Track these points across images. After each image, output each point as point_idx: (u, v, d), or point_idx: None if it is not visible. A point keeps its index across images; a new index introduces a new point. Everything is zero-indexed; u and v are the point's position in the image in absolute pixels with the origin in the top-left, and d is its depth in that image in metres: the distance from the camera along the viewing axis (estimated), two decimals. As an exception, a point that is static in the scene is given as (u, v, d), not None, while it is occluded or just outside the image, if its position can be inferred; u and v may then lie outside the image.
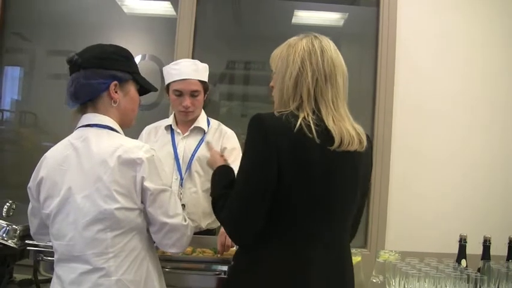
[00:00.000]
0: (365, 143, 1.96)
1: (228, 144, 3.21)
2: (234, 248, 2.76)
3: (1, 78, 4.53)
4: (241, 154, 3.16)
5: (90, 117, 2.08)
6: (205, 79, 3.22)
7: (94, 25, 4.52)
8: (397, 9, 4.27)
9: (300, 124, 1.83)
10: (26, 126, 4.60)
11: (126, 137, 2.09)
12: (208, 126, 3.28)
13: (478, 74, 4.29)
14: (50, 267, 2.49)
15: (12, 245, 2.58)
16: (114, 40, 4.17)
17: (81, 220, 1.94)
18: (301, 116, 1.86)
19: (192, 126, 3.23)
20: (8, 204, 2.79)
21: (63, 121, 4.41)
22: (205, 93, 3.23)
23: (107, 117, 2.08)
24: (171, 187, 2.09)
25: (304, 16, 4.74)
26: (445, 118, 4.25)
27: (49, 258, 2.49)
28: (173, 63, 3.24)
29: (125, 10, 4.65)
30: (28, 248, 2.56)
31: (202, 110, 3.31)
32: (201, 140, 3.22)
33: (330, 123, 1.87)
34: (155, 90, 2.32)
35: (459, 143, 4.24)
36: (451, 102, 4.26)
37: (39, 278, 2.60)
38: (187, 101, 3.12)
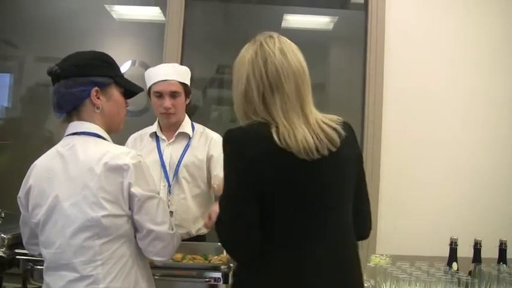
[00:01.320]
0: (339, 131, 1.89)
1: (214, 151, 3.19)
2: (224, 254, 2.76)
3: (-10, 85, 4.52)
4: None
5: (77, 125, 2.07)
6: (186, 81, 3.20)
7: (83, 31, 4.50)
8: (385, 12, 4.27)
9: (271, 133, 1.81)
10: (15, 134, 4.57)
11: (113, 144, 2.08)
12: (193, 131, 3.27)
13: (467, 76, 4.29)
14: (40, 276, 2.48)
15: (0, 254, 2.57)
16: (104, 46, 4.18)
17: (68, 228, 1.93)
18: (271, 124, 1.84)
19: (177, 132, 3.21)
20: (-4, 212, 2.78)
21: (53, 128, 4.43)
22: (186, 96, 3.20)
23: (93, 125, 2.07)
24: (159, 193, 2.08)
25: (293, 20, 4.73)
26: (435, 121, 4.25)
27: (38, 267, 2.47)
28: (153, 67, 3.24)
29: (114, 16, 4.64)
30: (17, 256, 2.55)
31: (186, 115, 3.29)
32: (187, 146, 3.20)
33: (284, 133, 1.82)
34: (140, 90, 2.31)
35: (449, 145, 4.24)
36: (440, 104, 4.26)
37: (29, 286, 2.59)
38: (167, 102, 3.09)
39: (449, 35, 4.32)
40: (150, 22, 4.75)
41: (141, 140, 3.28)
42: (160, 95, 3.11)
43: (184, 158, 3.16)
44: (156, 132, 3.25)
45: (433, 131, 4.24)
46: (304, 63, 1.95)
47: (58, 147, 2.07)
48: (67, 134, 2.09)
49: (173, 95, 3.12)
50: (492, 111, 4.29)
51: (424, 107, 4.25)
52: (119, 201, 1.94)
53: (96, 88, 2.07)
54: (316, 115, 1.92)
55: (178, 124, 3.23)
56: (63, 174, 1.99)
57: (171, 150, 3.19)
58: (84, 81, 2.06)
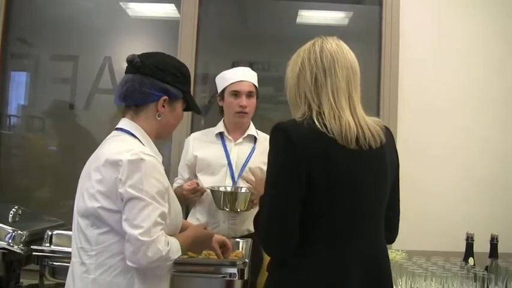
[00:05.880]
0: (380, 134, 1.96)
1: None
2: (239, 250, 2.75)
3: (7, 84, 4.52)
4: None
5: (123, 122, 2.15)
6: (256, 85, 3.34)
7: (99, 29, 4.51)
8: (400, 7, 4.24)
9: (320, 127, 1.85)
10: (33, 131, 4.60)
11: (138, 143, 2.09)
12: (257, 135, 3.37)
13: (481, 72, 4.24)
14: (56, 272, 2.52)
15: (18, 250, 2.59)
16: (119, 43, 4.18)
17: (76, 215, 2.05)
18: (317, 118, 1.88)
19: (246, 134, 3.33)
20: (14, 209, 2.81)
21: (70, 125, 4.45)
22: (257, 98, 3.34)
23: (135, 125, 2.13)
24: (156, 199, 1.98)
25: (308, 16, 4.72)
26: (450, 116, 4.21)
27: (54, 263, 2.50)
28: (226, 70, 3.41)
29: (130, 13, 4.64)
30: (34, 253, 2.58)
31: (250, 120, 3.39)
32: (253, 148, 3.32)
33: (329, 118, 1.87)
34: (199, 113, 2.44)
35: (464, 140, 4.20)
36: (455, 99, 4.22)
37: (45, 282, 2.61)
38: (244, 101, 3.23)
39: (465, 29, 4.28)
40: (166, 19, 4.75)
41: (206, 137, 3.39)
42: (237, 93, 3.25)
43: (251, 159, 3.26)
44: (222, 132, 3.35)
45: (449, 127, 4.21)
46: (357, 64, 2.04)
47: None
48: (116, 127, 2.17)
49: (249, 94, 3.27)
50: (510, 109, 4.25)
51: (440, 103, 4.22)
52: (112, 197, 1.95)
53: (166, 97, 2.14)
54: (362, 112, 1.99)
55: (245, 126, 3.35)
56: (87, 165, 2.09)
57: (238, 151, 3.29)
58: (159, 86, 2.12)
